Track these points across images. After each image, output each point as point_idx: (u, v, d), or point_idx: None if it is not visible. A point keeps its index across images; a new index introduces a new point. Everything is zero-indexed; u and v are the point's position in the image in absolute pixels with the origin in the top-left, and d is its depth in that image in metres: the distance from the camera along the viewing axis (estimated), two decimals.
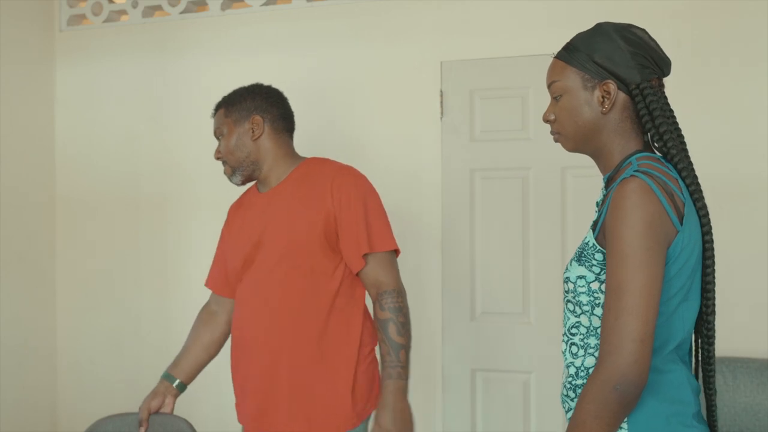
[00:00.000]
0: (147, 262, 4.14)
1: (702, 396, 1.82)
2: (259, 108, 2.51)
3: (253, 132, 2.50)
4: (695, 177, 1.69)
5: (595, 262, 1.66)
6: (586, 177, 3.34)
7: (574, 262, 1.71)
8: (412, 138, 3.68)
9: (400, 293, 2.36)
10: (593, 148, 1.76)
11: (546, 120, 1.81)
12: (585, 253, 1.68)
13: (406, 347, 2.33)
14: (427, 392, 3.63)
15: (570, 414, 1.72)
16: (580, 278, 1.68)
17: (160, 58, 4.11)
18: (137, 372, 4.09)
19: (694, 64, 3.34)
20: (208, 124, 3.77)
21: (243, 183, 2.55)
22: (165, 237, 4.10)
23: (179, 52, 4.08)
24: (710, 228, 1.67)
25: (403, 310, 2.35)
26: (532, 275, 3.52)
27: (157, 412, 2.51)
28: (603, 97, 1.70)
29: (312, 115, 3.80)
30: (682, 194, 1.63)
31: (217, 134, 2.54)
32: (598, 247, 1.65)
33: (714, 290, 1.70)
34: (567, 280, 1.73)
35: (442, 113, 3.63)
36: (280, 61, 3.88)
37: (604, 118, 1.72)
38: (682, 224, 1.60)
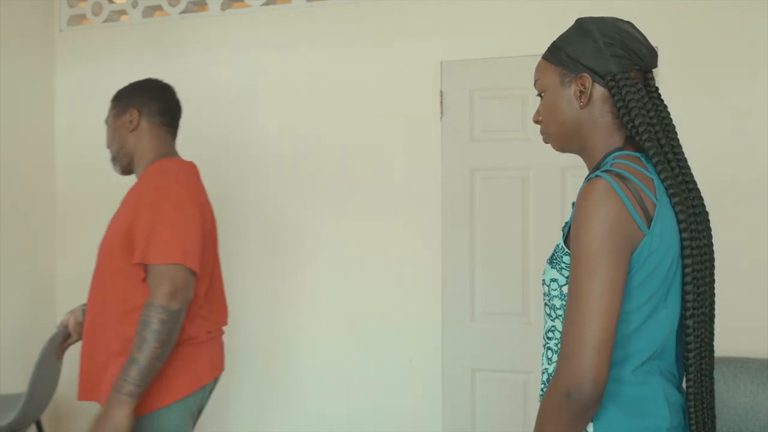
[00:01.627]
0: None
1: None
2: (137, 102, 2.60)
3: (129, 124, 2.60)
4: (673, 173, 1.61)
5: (563, 265, 1.62)
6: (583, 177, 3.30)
7: (547, 265, 1.68)
8: (411, 138, 3.70)
9: (158, 310, 2.29)
10: (578, 146, 1.72)
11: (535, 121, 1.79)
12: (555, 255, 1.65)
13: (140, 364, 2.26)
14: (427, 392, 3.65)
15: None
16: (553, 281, 1.65)
17: (160, 58, 4.10)
18: None
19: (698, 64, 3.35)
20: (209, 124, 3.93)
21: (123, 173, 2.67)
22: None
23: (179, 52, 4.08)
24: (688, 226, 1.58)
25: (151, 326, 2.28)
26: (532, 275, 3.52)
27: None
28: (579, 91, 1.67)
29: (311, 115, 3.86)
30: (656, 196, 1.57)
31: (106, 124, 2.68)
32: (566, 249, 1.62)
33: (696, 292, 1.59)
34: (543, 282, 1.70)
35: (442, 113, 3.65)
36: (279, 61, 3.91)
37: (583, 114, 1.67)
38: (649, 227, 1.53)
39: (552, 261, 1.65)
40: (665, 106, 1.68)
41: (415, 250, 3.67)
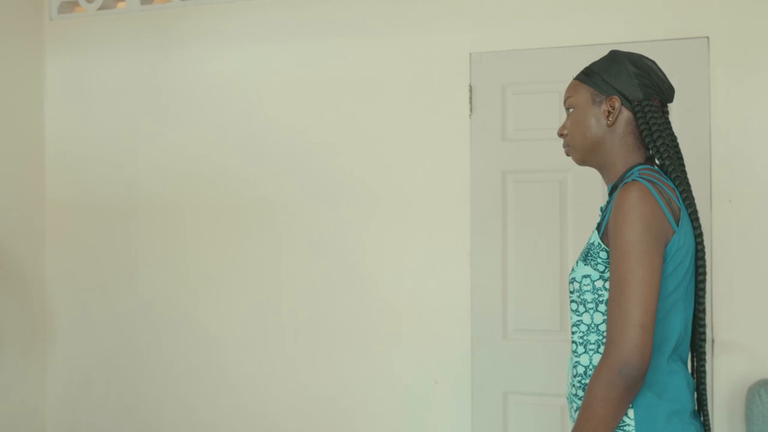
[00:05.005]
0: (146, 275, 4.08)
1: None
2: None
3: None
4: (688, 187, 1.97)
5: (599, 261, 1.91)
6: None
7: (580, 262, 1.96)
8: (437, 137, 3.62)
9: None
10: (599, 160, 2.05)
11: (560, 134, 2.10)
12: (591, 252, 1.93)
13: None
14: (455, 417, 3.58)
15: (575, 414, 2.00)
16: (585, 277, 1.93)
17: (160, 49, 4.05)
18: (132, 391, 4.07)
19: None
20: (214, 120, 3.92)
21: None
22: (166, 247, 4.05)
23: (181, 42, 4.03)
24: (701, 232, 1.94)
25: None
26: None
27: None
28: (608, 111, 1.99)
29: (327, 110, 3.80)
30: (679, 201, 1.91)
31: None
32: (603, 245, 1.90)
33: (704, 289, 1.97)
34: (573, 280, 1.98)
35: (471, 110, 3.57)
36: (292, 53, 3.85)
37: (609, 132, 2.01)
38: (678, 225, 1.86)
39: (586, 258, 1.94)
40: (675, 136, 2.03)
41: (440, 261, 3.60)
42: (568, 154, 2.11)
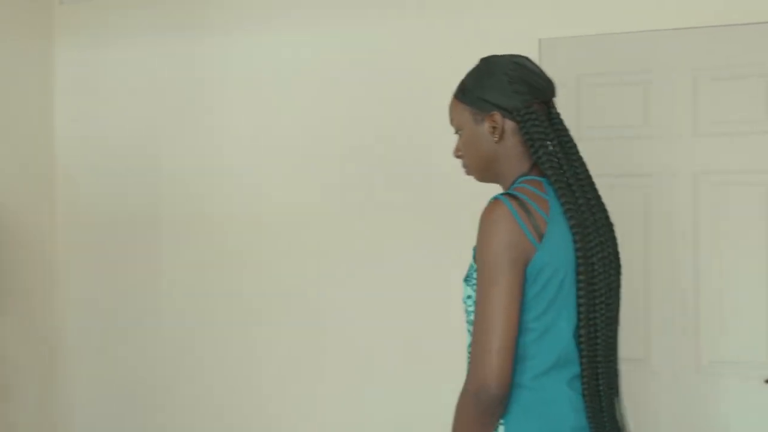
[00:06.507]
0: (167, 293, 4.00)
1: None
2: None
3: None
4: (572, 196, 1.97)
5: (474, 281, 1.96)
6: (727, 185, 3.19)
7: (463, 283, 2.04)
8: None
9: None
10: (496, 176, 2.09)
11: (456, 155, 2.16)
12: (469, 273, 2.01)
13: None
14: None
15: None
16: (468, 298, 2.00)
17: (183, 37, 3.99)
18: (154, 408, 4.05)
19: None
20: (246, 118, 3.88)
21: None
22: (189, 261, 3.98)
23: (207, 29, 3.95)
24: (584, 245, 1.94)
25: None
26: (656, 310, 3.31)
27: None
28: (492, 127, 2.03)
29: (377, 101, 3.70)
30: (548, 215, 1.92)
31: None
32: (475, 266, 1.95)
33: (590, 303, 1.94)
34: (462, 300, 2.07)
35: None
36: (338, 35, 3.74)
37: (499, 147, 2.04)
38: (540, 242, 1.88)
39: (466, 279, 2.02)
40: (567, 132, 2.07)
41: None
42: (468, 174, 2.17)
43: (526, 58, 2.09)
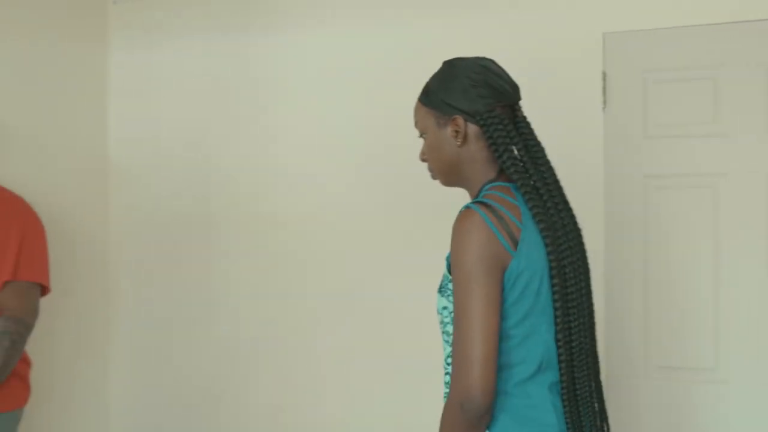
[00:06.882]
0: (221, 293, 3.98)
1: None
2: None
3: None
4: (540, 201, 2.00)
5: (449, 292, 1.99)
6: None
7: (437, 294, 2.06)
8: (563, 134, 3.32)
9: (19, 322, 2.94)
10: (462, 180, 2.12)
11: (421, 159, 2.19)
12: (443, 284, 2.04)
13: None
14: None
15: None
16: (444, 309, 2.02)
17: (237, 36, 3.97)
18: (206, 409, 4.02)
19: None
20: (300, 117, 3.86)
21: None
22: (243, 261, 3.94)
23: (262, 28, 3.93)
24: (555, 248, 1.98)
25: (12, 336, 2.91)
26: (727, 316, 3.22)
27: None
28: (455, 131, 2.05)
29: None
30: (521, 221, 1.95)
31: None
32: (450, 276, 1.97)
33: (565, 307, 1.99)
34: (437, 311, 2.07)
35: (604, 102, 3.38)
36: (394, 34, 3.71)
37: (463, 151, 2.06)
38: (516, 249, 1.91)
39: (441, 290, 2.04)
40: (533, 136, 2.09)
41: None
42: (434, 179, 2.20)
43: (491, 61, 2.13)
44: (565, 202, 2.08)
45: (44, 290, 3.10)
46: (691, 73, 3.28)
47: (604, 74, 3.36)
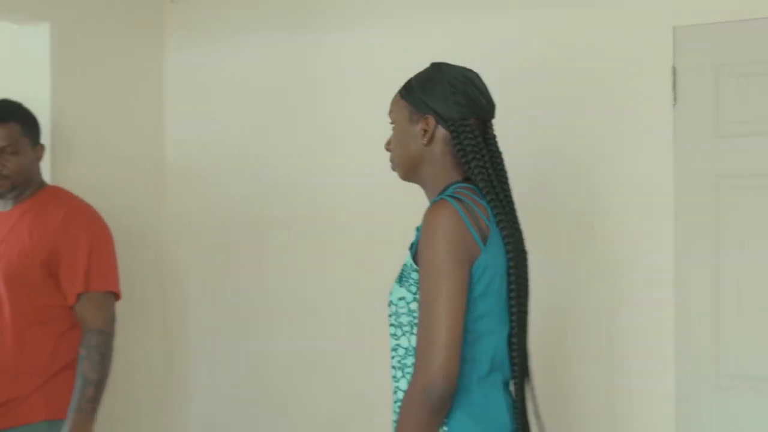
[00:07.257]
0: (276, 296, 3.96)
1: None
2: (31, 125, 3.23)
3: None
4: (503, 208, 2.14)
5: (412, 282, 2.06)
6: None
7: (395, 284, 2.12)
8: (631, 132, 3.36)
9: (102, 333, 3.03)
10: (420, 178, 2.23)
11: (386, 148, 2.29)
12: (404, 273, 2.10)
13: (96, 383, 2.99)
14: None
15: None
16: (401, 299, 2.09)
17: (295, 36, 3.95)
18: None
19: None
20: (358, 119, 3.82)
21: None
22: (299, 263, 3.93)
23: (320, 27, 3.89)
24: (515, 255, 2.11)
25: (100, 349, 3.01)
26: None
27: None
28: (424, 130, 2.16)
29: (498, 98, 3.54)
30: (489, 221, 2.08)
31: None
32: (414, 266, 2.05)
33: (520, 312, 2.12)
34: (390, 303, 2.13)
35: (674, 98, 3.28)
36: (457, 32, 3.63)
37: (427, 150, 2.17)
38: (485, 245, 2.03)
39: (401, 280, 2.11)
40: (500, 155, 2.22)
41: (635, 287, 3.32)
42: (393, 170, 2.29)
43: (476, 75, 2.22)
44: (518, 222, 2.21)
45: (116, 297, 3.18)
46: (766, 68, 3.18)
47: (674, 69, 3.27)
